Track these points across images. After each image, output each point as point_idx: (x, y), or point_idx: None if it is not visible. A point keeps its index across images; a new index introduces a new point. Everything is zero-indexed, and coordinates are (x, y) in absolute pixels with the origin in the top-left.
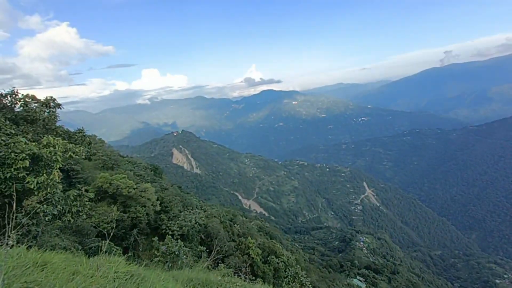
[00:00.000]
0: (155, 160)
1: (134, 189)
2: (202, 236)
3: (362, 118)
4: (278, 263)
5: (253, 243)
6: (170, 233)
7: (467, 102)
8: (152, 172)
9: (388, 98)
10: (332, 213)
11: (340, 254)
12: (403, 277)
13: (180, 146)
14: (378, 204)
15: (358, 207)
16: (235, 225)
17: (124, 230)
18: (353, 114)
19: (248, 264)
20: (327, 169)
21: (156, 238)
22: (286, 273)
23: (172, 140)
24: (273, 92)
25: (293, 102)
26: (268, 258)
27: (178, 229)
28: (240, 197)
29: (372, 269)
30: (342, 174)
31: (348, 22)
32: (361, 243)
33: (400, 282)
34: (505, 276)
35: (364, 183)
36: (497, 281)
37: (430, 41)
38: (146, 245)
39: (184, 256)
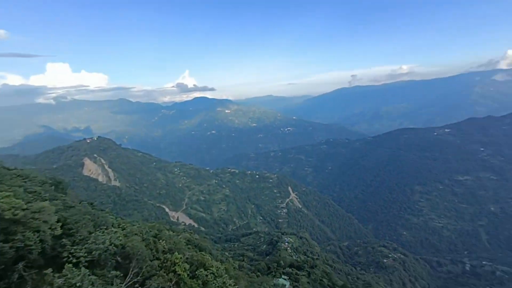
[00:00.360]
0: (59, 173)
1: (23, 210)
2: (119, 258)
3: (288, 128)
4: (207, 275)
5: (180, 258)
6: (74, 260)
7: (367, 118)
8: (53, 187)
9: (309, 111)
10: (261, 218)
11: (268, 257)
12: (319, 269)
13: (95, 155)
14: (300, 206)
15: (284, 210)
16: (160, 241)
17: (3, 266)
18: (281, 125)
19: (173, 282)
20: (257, 176)
21: (50, 270)
22: (214, 284)
23: (84, 148)
24: (206, 99)
25: (226, 111)
26: (196, 272)
27: (86, 254)
28: (167, 210)
29: (295, 267)
30: (270, 180)
31: (277, 41)
32: (286, 243)
33: (317, 274)
34: (389, 256)
35: (289, 188)
36: (385, 260)
37: (342, 64)
38: (38, 281)
39: (90, 286)
